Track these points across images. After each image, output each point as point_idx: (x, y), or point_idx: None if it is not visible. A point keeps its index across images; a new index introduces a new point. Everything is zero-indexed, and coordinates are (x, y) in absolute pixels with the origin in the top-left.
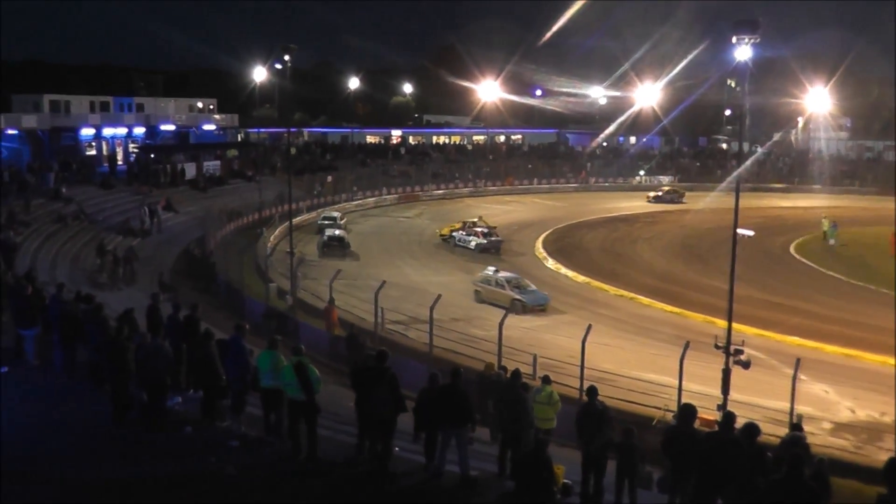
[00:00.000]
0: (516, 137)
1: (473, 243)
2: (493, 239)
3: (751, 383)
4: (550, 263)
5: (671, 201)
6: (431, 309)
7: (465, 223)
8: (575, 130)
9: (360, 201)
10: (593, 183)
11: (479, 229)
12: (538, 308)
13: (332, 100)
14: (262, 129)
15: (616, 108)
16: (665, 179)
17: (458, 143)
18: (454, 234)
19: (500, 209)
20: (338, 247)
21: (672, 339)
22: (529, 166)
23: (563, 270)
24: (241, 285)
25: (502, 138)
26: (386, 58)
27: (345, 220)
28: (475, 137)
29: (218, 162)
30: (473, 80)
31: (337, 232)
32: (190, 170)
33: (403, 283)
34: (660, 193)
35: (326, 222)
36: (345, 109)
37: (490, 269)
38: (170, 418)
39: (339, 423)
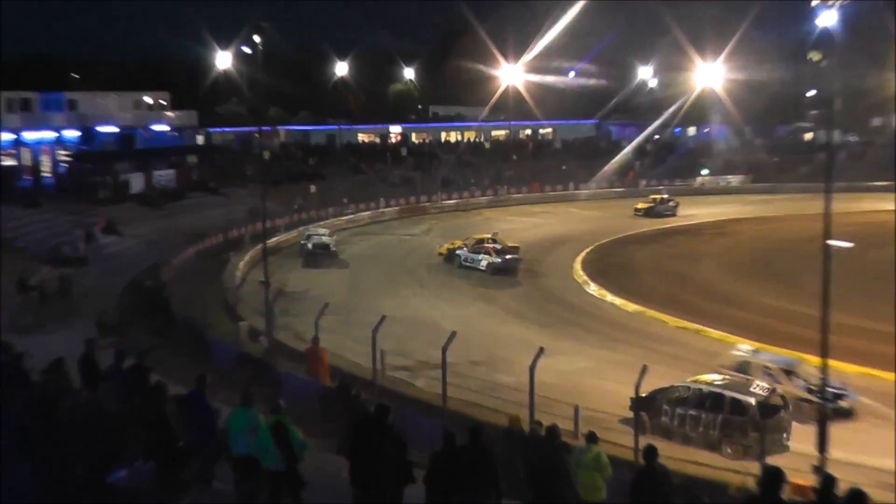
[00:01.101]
0: (545, 131)
1: (484, 263)
2: (508, 257)
3: (855, 437)
4: (592, 288)
5: (661, 214)
6: (444, 350)
7: (468, 240)
8: (619, 121)
9: (352, 216)
10: (643, 186)
11: (490, 245)
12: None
13: (315, 91)
14: (229, 129)
15: (671, 92)
16: (734, 180)
17: (472, 140)
18: (458, 251)
19: (528, 222)
20: (323, 255)
21: None
22: (563, 167)
23: (609, 297)
24: (205, 325)
25: (528, 132)
26: (382, 41)
27: (334, 237)
28: (494, 133)
29: (172, 171)
30: (491, 64)
31: (324, 238)
32: (137, 182)
33: (409, 318)
34: (651, 204)
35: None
36: (332, 103)
37: (743, 349)
38: (113, 496)
39: (330, 499)
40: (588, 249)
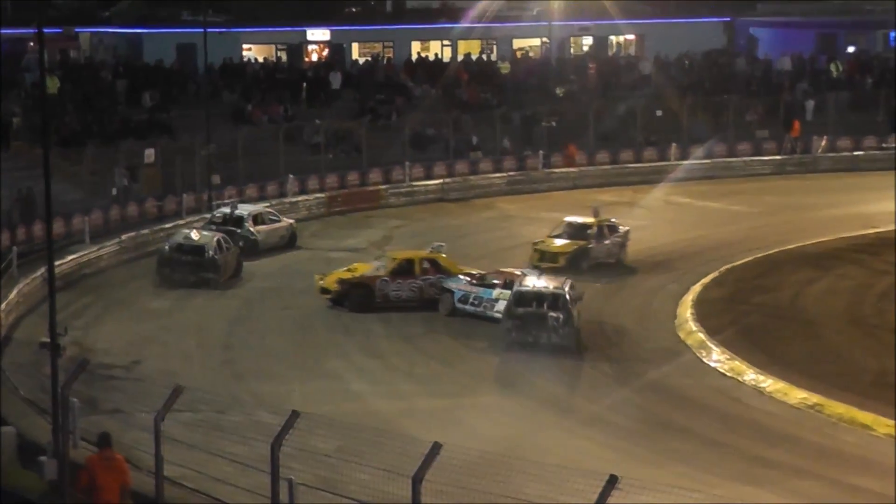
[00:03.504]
0: (624, 39)
1: (498, 306)
2: (565, 291)
3: None
4: (718, 358)
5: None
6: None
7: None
8: (776, 18)
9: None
10: (819, 152)
11: (509, 272)
12: None
13: None
14: None
15: None
16: None
17: (475, 57)
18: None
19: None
20: (191, 267)
21: None
22: (658, 112)
23: (753, 377)
24: None
25: (587, 42)
26: None
27: (216, 238)
28: (518, 43)
29: None
30: None
31: (195, 237)
32: None
33: (348, 416)
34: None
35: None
36: None
37: None
38: None
39: None
40: (706, 280)
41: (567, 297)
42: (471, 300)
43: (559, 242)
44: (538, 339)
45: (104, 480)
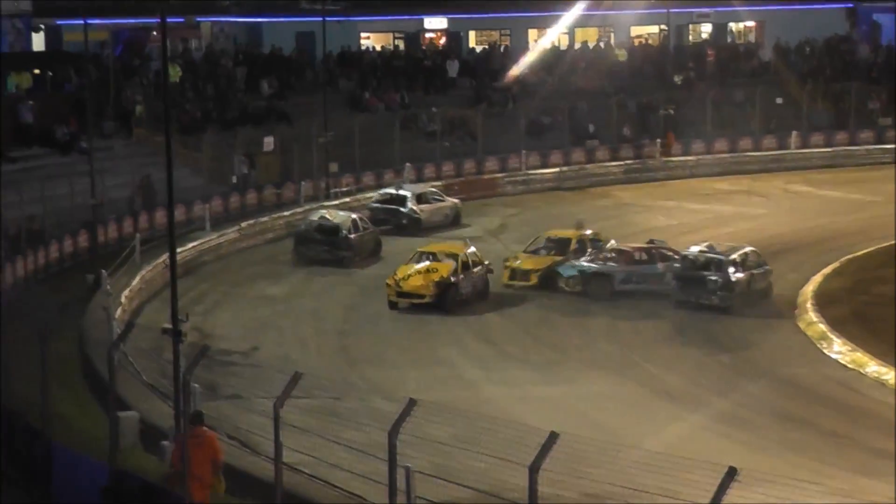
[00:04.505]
0: (744, 27)
1: (665, 279)
2: (727, 257)
3: None
4: (840, 349)
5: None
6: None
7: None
8: (894, 4)
9: (346, 197)
10: None
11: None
12: None
13: None
14: (97, 21)
15: None
16: None
17: (592, 45)
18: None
19: (701, 213)
20: (326, 246)
21: None
22: (778, 100)
23: (875, 369)
24: (45, 417)
25: (706, 29)
26: None
27: (355, 216)
28: (636, 30)
29: None
30: None
31: (330, 217)
32: None
33: (462, 405)
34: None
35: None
36: None
37: None
38: None
39: None
40: (827, 270)
41: (727, 261)
42: (633, 279)
43: (532, 259)
44: (699, 298)
45: (195, 456)
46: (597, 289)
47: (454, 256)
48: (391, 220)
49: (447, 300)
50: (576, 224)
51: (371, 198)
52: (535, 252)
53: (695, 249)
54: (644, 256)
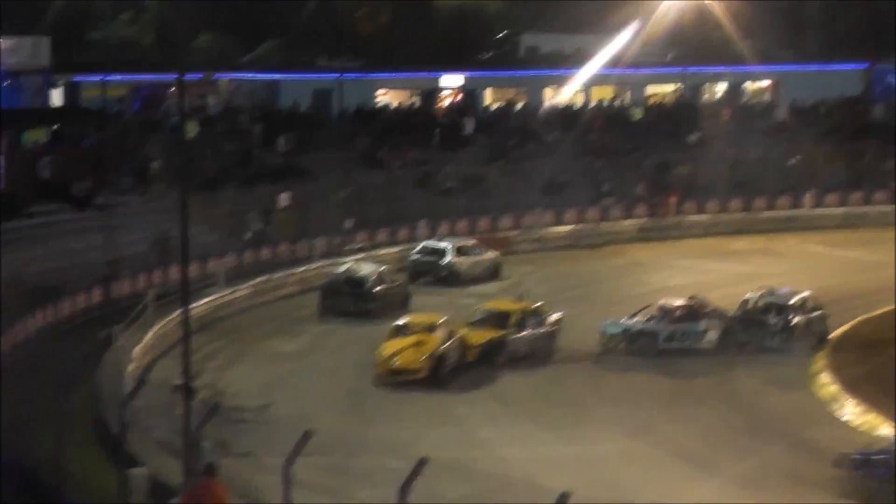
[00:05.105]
0: (759, 86)
1: (708, 336)
2: (786, 301)
3: None
4: (853, 411)
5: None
6: None
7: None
8: None
9: (362, 253)
10: None
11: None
12: None
13: (292, 7)
14: (116, 77)
15: None
16: None
17: (607, 103)
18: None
19: (718, 272)
20: (352, 298)
21: None
22: (793, 161)
23: (888, 432)
24: (60, 472)
25: (721, 88)
26: None
27: (382, 269)
28: (652, 89)
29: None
30: None
31: (357, 270)
32: None
33: (473, 465)
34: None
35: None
36: (323, 27)
37: None
38: None
39: None
40: (841, 330)
41: (788, 306)
42: (677, 337)
43: (476, 332)
44: (760, 341)
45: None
46: (642, 347)
47: (434, 328)
48: (431, 272)
49: (440, 374)
50: (518, 296)
51: (408, 250)
52: (475, 324)
53: (755, 294)
54: (686, 314)
